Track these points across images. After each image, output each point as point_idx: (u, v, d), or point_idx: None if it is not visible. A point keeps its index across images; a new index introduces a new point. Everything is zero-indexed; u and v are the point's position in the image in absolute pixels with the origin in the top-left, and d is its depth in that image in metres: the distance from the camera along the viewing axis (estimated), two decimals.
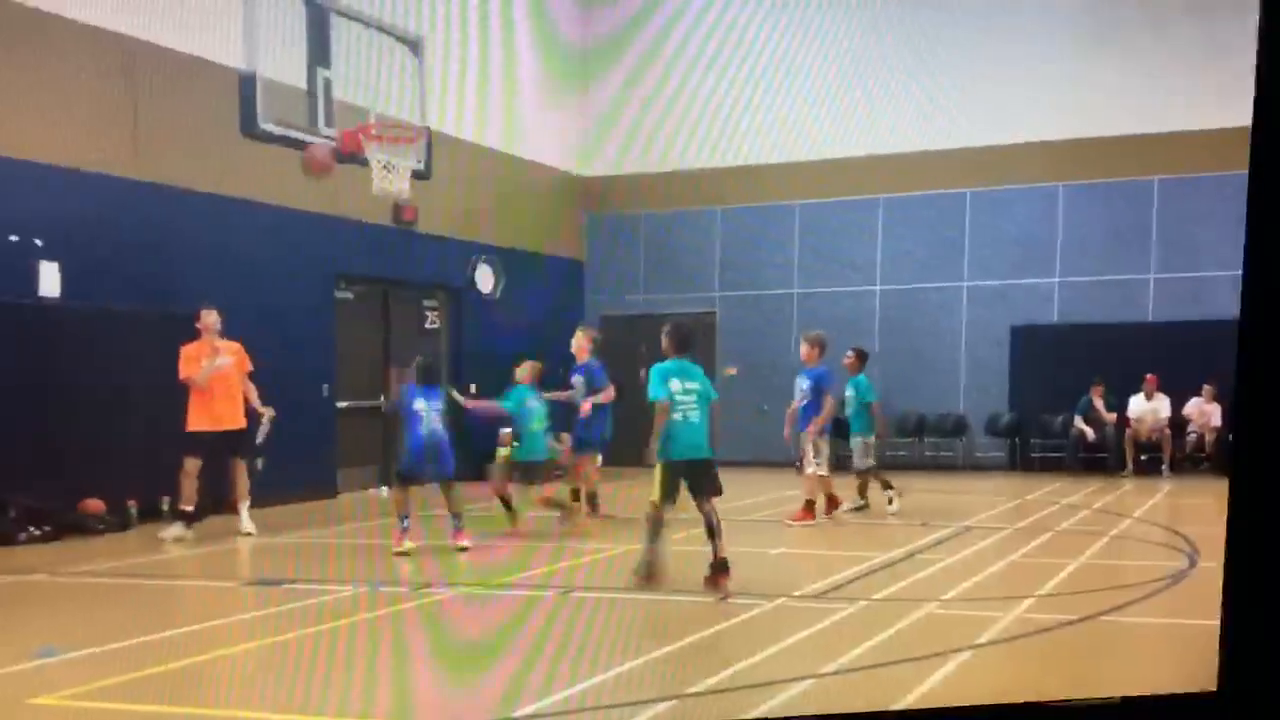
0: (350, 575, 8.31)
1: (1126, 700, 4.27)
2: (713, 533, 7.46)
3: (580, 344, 11.01)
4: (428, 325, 16.00)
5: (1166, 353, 15.34)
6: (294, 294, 13.17)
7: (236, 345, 10.39)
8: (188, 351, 10.13)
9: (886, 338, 17.11)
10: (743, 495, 11.52)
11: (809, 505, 10.66)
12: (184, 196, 11.86)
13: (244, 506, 10.40)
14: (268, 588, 7.87)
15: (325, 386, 13.77)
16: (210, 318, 10.26)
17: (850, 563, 8.52)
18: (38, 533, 9.93)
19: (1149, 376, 15.47)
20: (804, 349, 10.77)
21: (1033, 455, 16.18)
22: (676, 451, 7.38)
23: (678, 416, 7.36)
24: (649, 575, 7.41)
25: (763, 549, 9.35)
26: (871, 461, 11.57)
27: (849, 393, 11.47)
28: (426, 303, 15.95)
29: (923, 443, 16.86)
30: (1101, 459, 15.50)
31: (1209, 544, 9.34)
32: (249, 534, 10.24)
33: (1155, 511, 11.73)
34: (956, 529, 10.36)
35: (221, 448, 10.19)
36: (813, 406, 10.63)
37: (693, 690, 5.30)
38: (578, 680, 5.42)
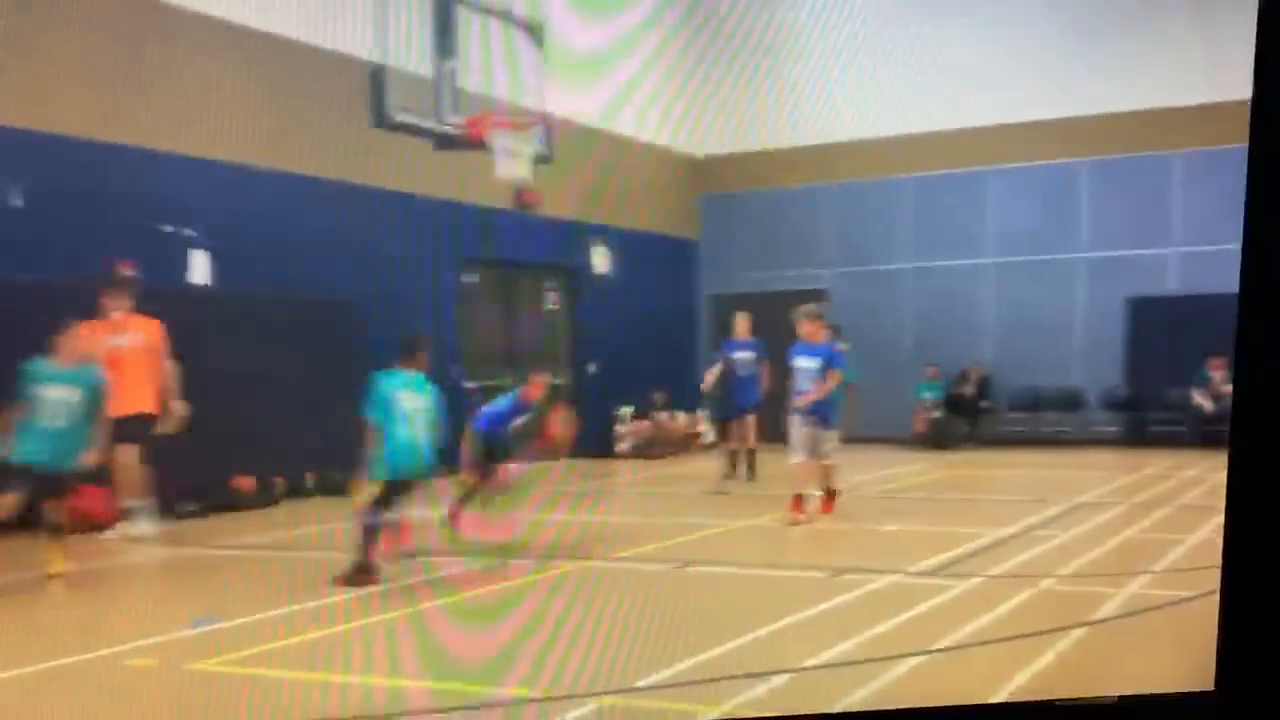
0: (480, 548, 8.53)
1: (1125, 700, 4.22)
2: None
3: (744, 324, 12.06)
4: (548, 306, 16.28)
5: None
6: (421, 278, 13.52)
7: (151, 323, 9.24)
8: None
9: (1002, 311, 16.81)
10: (855, 471, 11.50)
11: (832, 495, 9.64)
12: (318, 185, 12.28)
13: (130, 503, 9.12)
14: (407, 560, 8.12)
15: (455, 367, 14.12)
16: (116, 298, 9.12)
17: (964, 539, 8.44)
18: (193, 509, 10.41)
19: None
20: (806, 325, 9.42)
21: (1150, 429, 15.72)
22: (398, 470, 7.17)
23: (403, 431, 7.14)
24: (363, 575, 7.14)
25: (875, 525, 9.33)
26: None
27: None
28: (547, 284, 16.21)
29: (1039, 417, 16.53)
30: (1221, 433, 14.91)
31: None
32: (137, 537, 9.04)
33: None
34: (1072, 504, 10.17)
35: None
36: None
37: (808, 664, 5.35)
38: (694, 653, 5.50)
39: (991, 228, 17.18)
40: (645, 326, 17.01)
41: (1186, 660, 5.33)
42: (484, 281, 15.04)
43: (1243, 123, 14.85)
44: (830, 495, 9.59)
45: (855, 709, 4.61)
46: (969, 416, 16.37)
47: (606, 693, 5.00)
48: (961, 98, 16.49)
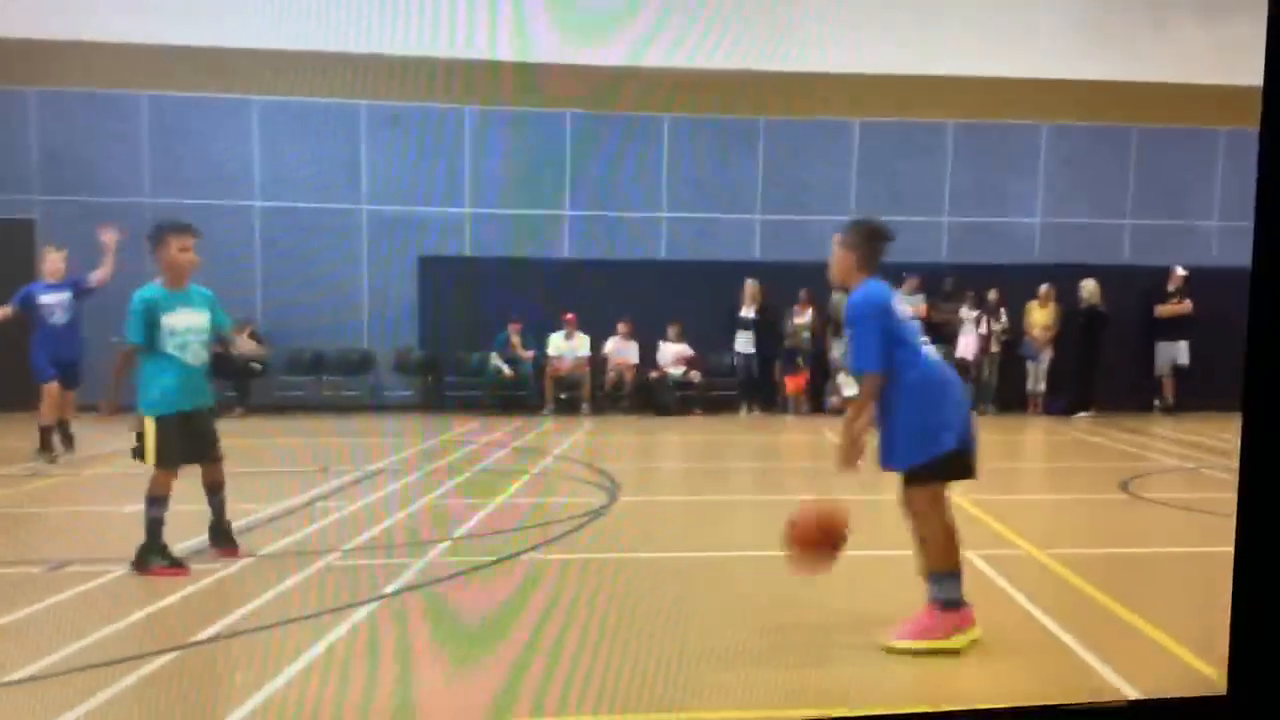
0: None
1: (1134, 705, 4.45)
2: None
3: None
4: None
5: (586, 290, 16.30)
6: None
7: None
8: None
9: (272, 262, 16.42)
10: (84, 446, 10.81)
11: None
12: None
13: None
14: None
15: None
16: None
17: (234, 516, 7.95)
18: None
19: (568, 314, 16.27)
20: None
21: (448, 394, 16.42)
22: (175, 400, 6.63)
23: (175, 357, 6.62)
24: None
25: (113, 506, 8.48)
26: None
27: None
28: None
29: (322, 380, 16.46)
30: (520, 397, 16.09)
31: (629, 479, 10.05)
32: None
33: (576, 449, 12.36)
34: (362, 473, 10.16)
35: None
36: None
37: (16, 677, 4.63)
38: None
39: (255, 167, 16.69)
40: None
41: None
42: None
43: (526, 86, 15.51)
44: None
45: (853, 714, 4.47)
46: (236, 379, 15.76)
47: None
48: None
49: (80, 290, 10.81)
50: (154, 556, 6.48)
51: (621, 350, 16.57)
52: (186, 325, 6.68)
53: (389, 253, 16.81)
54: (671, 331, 16.54)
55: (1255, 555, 3.76)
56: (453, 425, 14.22)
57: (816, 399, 16.39)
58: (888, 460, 5.13)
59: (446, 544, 7.26)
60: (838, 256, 5.35)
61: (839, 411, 15.80)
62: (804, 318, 16.34)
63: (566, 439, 13.19)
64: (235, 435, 13.14)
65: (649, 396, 16.31)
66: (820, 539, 5.12)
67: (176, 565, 6.47)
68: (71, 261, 11.11)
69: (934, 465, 5.11)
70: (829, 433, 13.74)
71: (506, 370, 16.18)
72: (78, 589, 6.04)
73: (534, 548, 7.08)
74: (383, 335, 16.74)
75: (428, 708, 4.49)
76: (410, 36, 15.90)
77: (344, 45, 16.03)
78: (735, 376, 16.54)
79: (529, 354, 16.32)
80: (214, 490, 6.87)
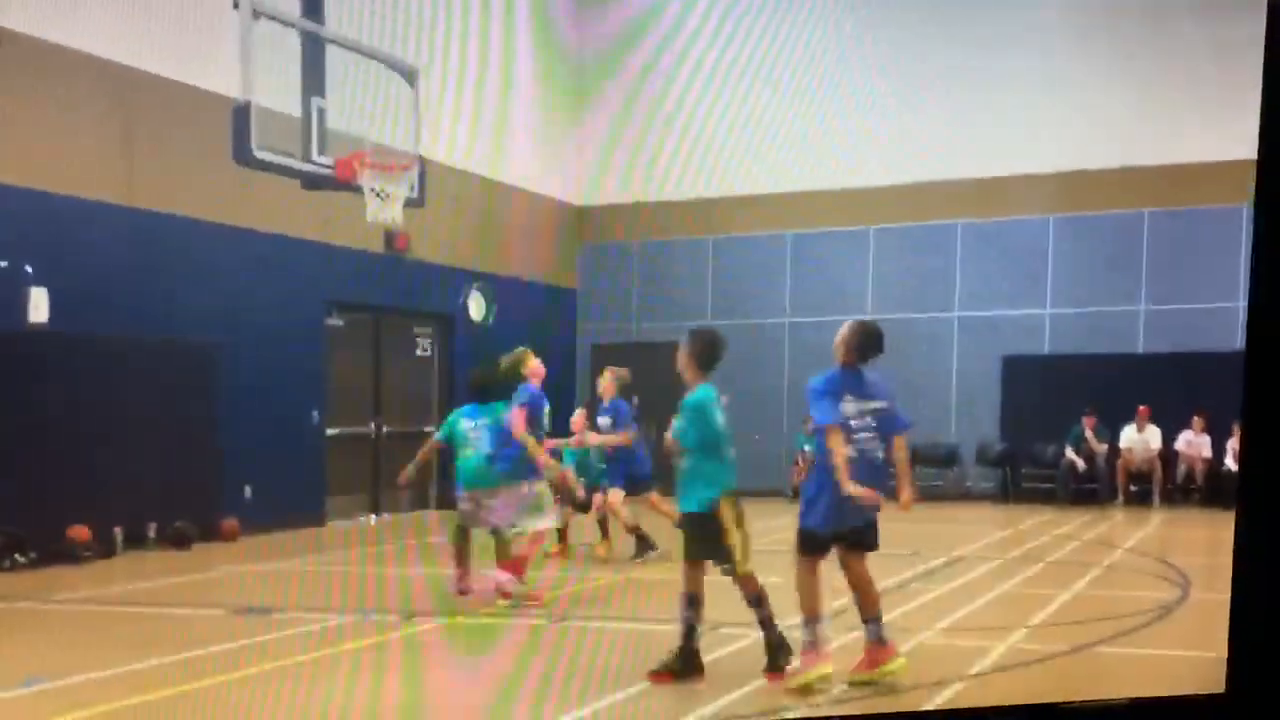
0: (339, 604, 8.28)
1: (1137, 702, 4.35)
2: None
3: (607, 384, 10.66)
4: (419, 353, 16.04)
5: (1157, 384, 15.48)
6: (285, 320, 13.22)
7: None
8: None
9: (878, 367, 17.20)
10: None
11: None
12: (176, 223, 11.93)
13: None
14: (256, 616, 7.85)
15: (315, 413, 13.78)
16: None
17: (841, 592, 8.50)
18: (23, 560, 9.88)
19: (1141, 408, 15.56)
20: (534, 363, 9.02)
21: (1024, 485, 16.22)
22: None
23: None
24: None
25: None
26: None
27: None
28: (417, 330, 16.01)
29: (914, 471, 16.83)
30: (1093, 489, 15.54)
31: (1201, 574, 9.43)
32: None
33: (1147, 542, 11.78)
34: (947, 559, 10.37)
35: None
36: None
37: None
38: (564, 712, 5.43)
39: (869, 284, 17.64)
40: None
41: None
42: (351, 326, 14.76)
43: (1115, 189, 15.50)
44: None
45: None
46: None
47: None
48: (844, 157, 17.00)
49: (620, 419, 10.47)
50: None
51: (1194, 443, 15.54)
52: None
53: (976, 354, 17.00)
54: (1238, 425, 15.27)
55: (1253, 556, 3.14)
56: (1028, 516, 14.03)
57: None
58: None
59: (1023, 631, 7.21)
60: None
61: None
62: None
63: (1137, 532, 12.61)
64: None
65: (1221, 490, 15.13)
66: None
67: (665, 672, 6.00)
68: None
69: (802, 536, 6.07)
70: None
71: (1080, 462, 15.72)
72: (732, 647, 6.72)
73: (1105, 640, 6.86)
74: (969, 430, 16.89)
75: None
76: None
77: (938, 174, 16.71)
78: None
79: (1102, 447, 15.75)
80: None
